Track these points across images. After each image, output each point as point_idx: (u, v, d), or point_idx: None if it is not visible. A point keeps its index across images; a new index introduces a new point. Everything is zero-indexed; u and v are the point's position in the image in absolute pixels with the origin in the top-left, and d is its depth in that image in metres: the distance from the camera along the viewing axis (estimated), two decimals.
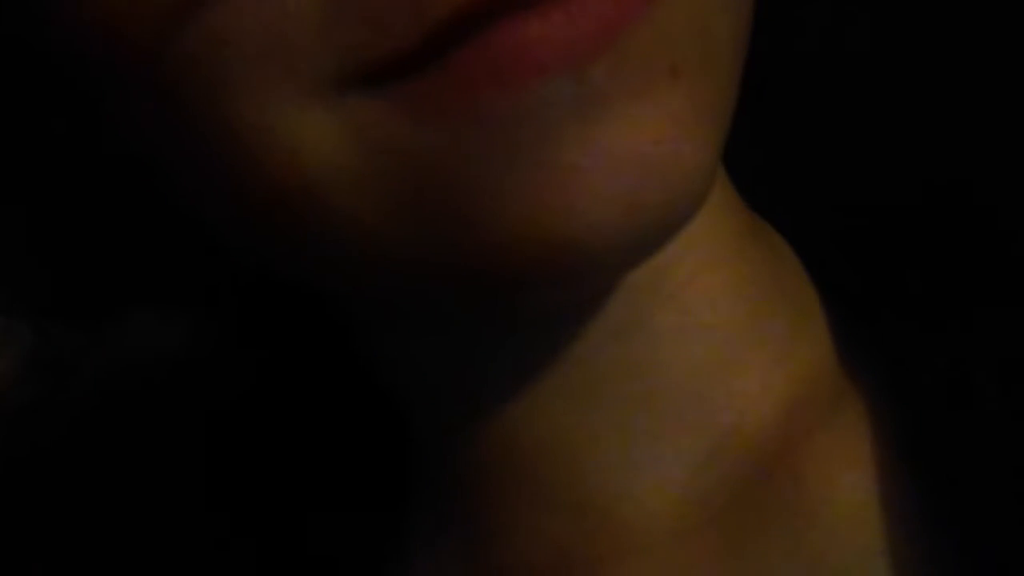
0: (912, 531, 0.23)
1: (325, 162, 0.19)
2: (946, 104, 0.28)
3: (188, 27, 0.18)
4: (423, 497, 0.29)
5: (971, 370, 0.24)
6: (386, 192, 0.19)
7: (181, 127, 0.20)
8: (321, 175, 0.19)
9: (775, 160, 0.29)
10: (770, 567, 0.24)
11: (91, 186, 0.27)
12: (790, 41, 0.29)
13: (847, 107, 0.29)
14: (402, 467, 0.29)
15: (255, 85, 0.18)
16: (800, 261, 0.28)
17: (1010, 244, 0.26)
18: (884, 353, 0.25)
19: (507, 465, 0.27)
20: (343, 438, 0.30)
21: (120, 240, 0.28)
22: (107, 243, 0.28)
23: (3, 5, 0.21)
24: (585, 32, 0.18)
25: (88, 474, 0.32)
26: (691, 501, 0.26)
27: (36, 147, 0.26)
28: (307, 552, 0.29)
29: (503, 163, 0.18)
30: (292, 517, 0.30)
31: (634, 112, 0.18)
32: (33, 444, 0.33)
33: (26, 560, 0.31)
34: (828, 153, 0.29)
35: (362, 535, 0.29)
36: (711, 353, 0.26)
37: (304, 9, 0.18)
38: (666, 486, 0.26)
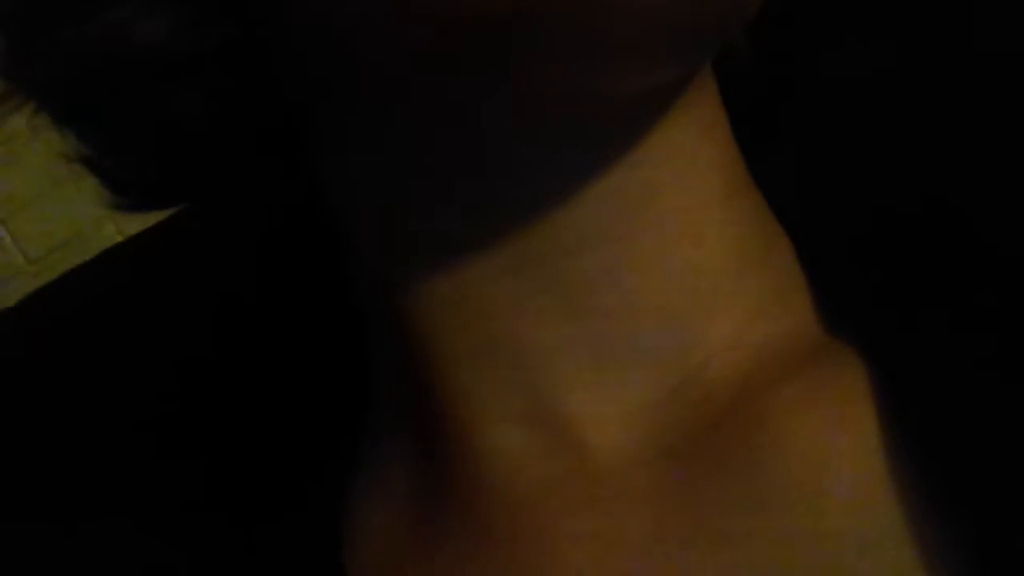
0: (894, 481, 0.23)
1: None
2: (949, 125, 0.28)
3: None
4: (378, 404, 0.29)
5: (950, 341, 0.24)
6: None
7: None
8: None
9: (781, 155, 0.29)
10: (723, 504, 0.24)
11: None
12: (815, 65, 0.29)
13: (859, 123, 0.29)
14: (359, 372, 0.29)
15: None
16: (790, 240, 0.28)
17: (985, 243, 0.26)
18: (865, 323, 0.26)
19: (469, 371, 0.26)
20: (304, 342, 0.30)
21: None
22: None
23: None
24: None
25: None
26: (649, 433, 0.26)
27: None
28: (257, 452, 0.29)
29: None
30: (245, 416, 0.29)
31: None
32: None
33: None
34: (832, 154, 0.29)
35: (314, 442, 0.29)
36: (687, 287, 0.26)
37: None
38: (627, 413, 0.26)
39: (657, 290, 0.26)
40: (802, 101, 0.29)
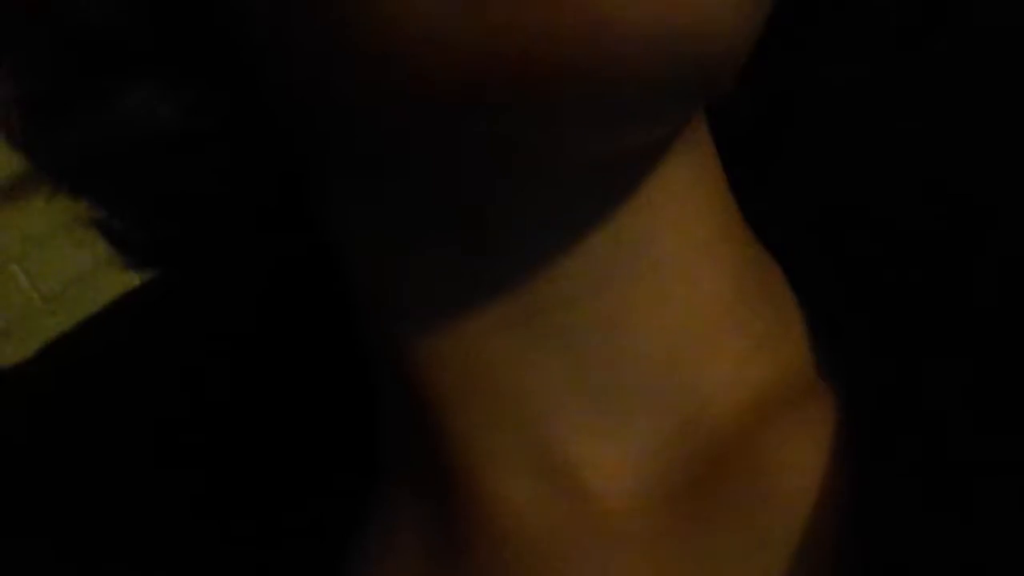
0: (839, 527, 0.24)
1: None
2: (949, 126, 0.28)
3: None
4: (384, 452, 0.29)
5: (921, 389, 0.25)
6: None
7: None
8: None
9: (777, 175, 0.29)
10: (725, 548, 0.25)
11: None
12: (813, 69, 0.30)
13: (855, 133, 0.29)
14: (366, 423, 0.30)
15: None
16: (786, 274, 0.28)
17: (986, 246, 0.26)
18: (849, 363, 0.26)
19: (474, 422, 0.27)
20: (312, 393, 0.31)
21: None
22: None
23: None
24: None
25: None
26: (652, 476, 0.26)
27: None
28: (265, 501, 0.29)
29: None
30: (253, 466, 0.30)
31: None
32: None
33: None
34: (832, 172, 0.29)
35: (321, 490, 0.29)
36: (685, 331, 0.26)
37: None
38: (629, 458, 0.26)
39: (656, 335, 0.26)
40: (802, 110, 0.29)
